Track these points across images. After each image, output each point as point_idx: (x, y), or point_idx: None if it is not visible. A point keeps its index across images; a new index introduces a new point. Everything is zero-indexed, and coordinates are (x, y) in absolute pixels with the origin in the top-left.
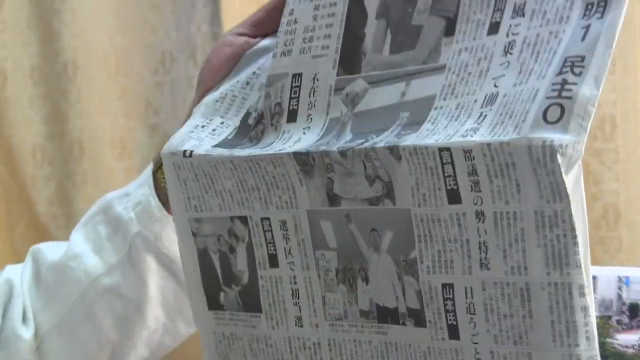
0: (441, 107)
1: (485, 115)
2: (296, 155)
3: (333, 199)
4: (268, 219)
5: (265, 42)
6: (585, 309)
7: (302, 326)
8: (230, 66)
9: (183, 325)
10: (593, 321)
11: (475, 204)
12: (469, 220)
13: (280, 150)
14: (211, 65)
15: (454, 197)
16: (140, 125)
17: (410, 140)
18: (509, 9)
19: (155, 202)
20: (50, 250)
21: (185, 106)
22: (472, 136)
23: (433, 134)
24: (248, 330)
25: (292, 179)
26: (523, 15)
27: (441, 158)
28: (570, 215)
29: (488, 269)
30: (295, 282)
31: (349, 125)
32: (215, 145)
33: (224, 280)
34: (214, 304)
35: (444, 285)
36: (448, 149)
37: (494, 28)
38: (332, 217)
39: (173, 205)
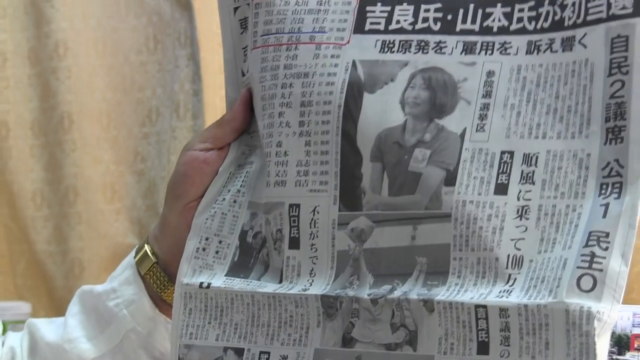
0: (460, 259)
1: (515, 279)
2: (323, 298)
3: (348, 341)
4: (268, 353)
5: (233, 154)
6: None
7: None
8: (209, 182)
9: None
10: None
11: (502, 356)
12: None
13: (304, 290)
14: (192, 181)
15: (483, 348)
16: (129, 172)
17: (443, 295)
18: (516, 173)
19: (148, 303)
20: (46, 328)
21: (169, 155)
22: (507, 297)
23: (465, 290)
24: None
25: (309, 319)
26: (533, 183)
27: (476, 313)
28: None
29: None
30: None
31: (362, 261)
32: (228, 274)
33: None
34: None
35: None
36: (484, 307)
37: (501, 189)
38: (341, 357)
39: (172, 329)
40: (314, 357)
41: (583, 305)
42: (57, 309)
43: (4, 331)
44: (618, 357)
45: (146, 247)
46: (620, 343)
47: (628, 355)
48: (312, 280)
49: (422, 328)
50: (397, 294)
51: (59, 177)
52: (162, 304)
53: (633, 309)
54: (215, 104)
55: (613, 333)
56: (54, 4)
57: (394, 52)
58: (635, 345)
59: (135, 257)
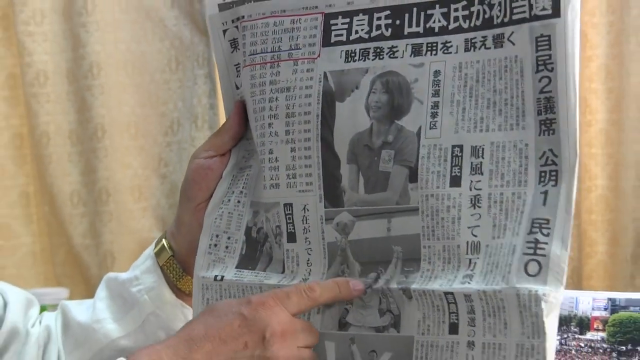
0: (429, 247)
1: (475, 263)
2: None
3: (343, 325)
4: None
5: (234, 159)
6: None
7: None
8: (214, 185)
9: None
10: None
11: (469, 335)
12: (461, 347)
13: (305, 279)
14: (199, 185)
15: (454, 329)
16: (154, 175)
17: (418, 282)
18: (466, 166)
19: (167, 290)
20: (76, 309)
21: (188, 161)
22: (469, 283)
23: (435, 277)
24: None
25: None
26: (482, 173)
27: (447, 299)
28: (545, 349)
29: None
30: None
31: (348, 251)
32: (238, 266)
33: None
34: None
35: None
36: (452, 293)
37: (456, 181)
38: (337, 338)
39: (193, 316)
40: None
41: (531, 289)
42: (92, 295)
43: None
44: (580, 336)
45: (164, 242)
46: (582, 324)
47: (589, 334)
48: (310, 270)
49: (404, 313)
50: (381, 282)
51: (93, 180)
52: (179, 292)
53: (593, 295)
54: None
55: (575, 315)
56: (89, 29)
57: (356, 60)
58: (595, 326)
59: (154, 249)
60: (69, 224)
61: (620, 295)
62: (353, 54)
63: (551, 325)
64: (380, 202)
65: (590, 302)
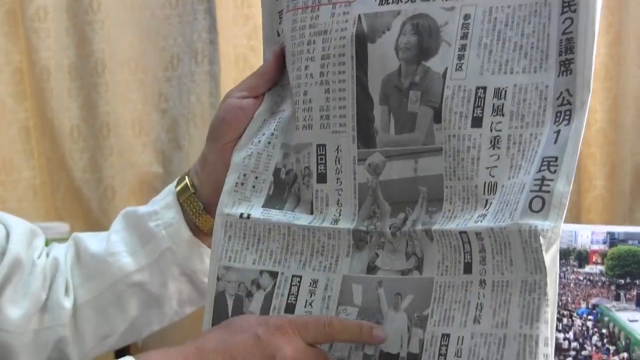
0: (450, 187)
1: (491, 203)
2: (355, 232)
3: (372, 269)
4: (300, 277)
5: (267, 103)
6: (546, 356)
7: None
8: (245, 126)
9: (190, 308)
10: None
11: (481, 274)
12: (474, 286)
13: (335, 220)
14: (229, 125)
15: (467, 268)
16: (154, 110)
17: (439, 223)
18: (489, 107)
19: (185, 227)
20: (90, 241)
21: (188, 95)
22: (481, 222)
23: (454, 217)
24: None
25: (340, 250)
26: (503, 114)
27: (462, 238)
28: (546, 284)
29: (479, 323)
30: None
31: (379, 192)
32: (265, 206)
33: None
34: None
35: (443, 335)
36: (466, 232)
37: (477, 122)
38: (364, 281)
39: (212, 252)
40: (342, 282)
41: (532, 225)
42: (92, 229)
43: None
44: (579, 270)
45: (187, 179)
46: (581, 258)
47: (587, 268)
48: (340, 210)
49: (427, 255)
50: (408, 224)
51: (93, 115)
52: (197, 230)
53: (592, 228)
54: (229, 51)
55: (574, 249)
56: None
57: (389, 3)
58: (593, 260)
59: (176, 186)
60: (69, 158)
61: (619, 229)
62: None
63: (552, 260)
64: (409, 142)
65: (589, 235)
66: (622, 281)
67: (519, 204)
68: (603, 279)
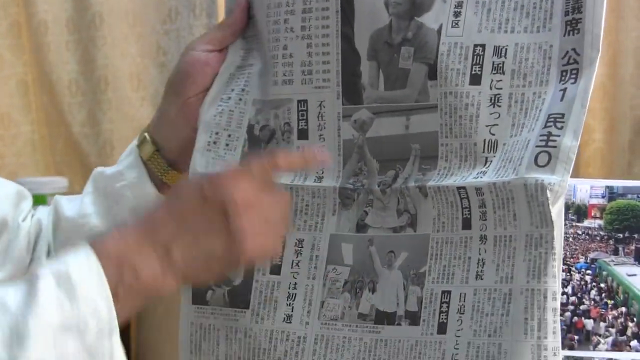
0: (447, 145)
1: (491, 161)
2: (341, 189)
3: (362, 227)
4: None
5: (232, 56)
6: (555, 310)
7: (290, 322)
8: (210, 81)
9: None
10: (559, 319)
11: (481, 230)
12: (474, 242)
13: (318, 177)
14: (193, 80)
15: (466, 224)
16: (152, 64)
17: (434, 180)
18: (488, 65)
19: (150, 186)
20: (67, 205)
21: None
22: (481, 178)
23: (451, 174)
24: (229, 322)
25: (325, 208)
26: (503, 73)
27: (459, 194)
28: (553, 237)
29: (482, 279)
30: (295, 288)
31: (365, 148)
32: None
33: (214, 280)
34: (198, 299)
35: (443, 292)
36: (464, 188)
37: (476, 79)
38: (355, 240)
39: None
40: (329, 241)
41: (538, 179)
42: None
43: (42, 202)
44: (577, 224)
45: (146, 135)
46: (580, 212)
47: (586, 222)
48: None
49: (420, 211)
50: (399, 181)
51: (91, 69)
52: (164, 186)
53: (591, 182)
54: None
55: (573, 203)
56: None
57: None
58: (592, 214)
59: (138, 145)
60: (67, 112)
61: (618, 183)
62: None
63: (558, 213)
64: (400, 99)
65: (588, 189)
66: (621, 235)
67: (523, 159)
68: (602, 233)
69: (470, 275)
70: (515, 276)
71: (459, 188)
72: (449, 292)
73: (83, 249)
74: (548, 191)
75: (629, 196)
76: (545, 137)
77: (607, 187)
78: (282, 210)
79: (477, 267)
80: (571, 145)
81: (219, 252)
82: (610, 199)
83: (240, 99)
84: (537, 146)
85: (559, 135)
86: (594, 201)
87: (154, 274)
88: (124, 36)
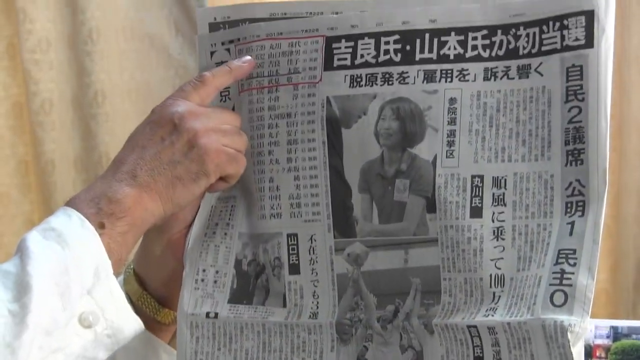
0: (449, 279)
1: (499, 296)
2: (338, 325)
3: None
4: None
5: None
6: None
7: None
8: (192, 216)
9: None
10: None
11: None
12: None
13: (313, 314)
14: (175, 216)
15: None
16: None
17: (439, 316)
18: (488, 197)
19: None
20: None
21: None
22: (492, 315)
23: (457, 309)
24: None
25: (323, 344)
26: (505, 204)
27: (469, 332)
28: None
29: None
30: None
31: (361, 282)
32: (231, 301)
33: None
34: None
35: None
36: (475, 326)
37: (476, 212)
38: None
39: (178, 355)
40: None
41: (557, 320)
42: None
43: None
44: None
45: (133, 275)
46: (585, 352)
47: None
48: (318, 302)
49: (427, 348)
50: (401, 317)
51: (92, 145)
52: (156, 325)
53: (595, 322)
54: None
55: None
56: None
57: (362, 85)
58: (597, 354)
59: (125, 285)
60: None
61: (623, 323)
62: (359, 79)
63: (579, 354)
64: (397, 232)
65: (593, 330)
66: None
67: (537, 297)
68: None
69: None
70: None
71: (469, 326)
72: None
73: (59, 209)
74: (569, 333)
75: (634, 336)
76: (558, 275)
77: (612, 327)
78: (231, 118)
79: None
80: (587, 283)
81: (181, 160)
82: (615, 340)
83: (225, 234)
84: (551, 284)
85: (573, 273)
86: (598, 341)
87: (128, 194)
88: (126, 113)
